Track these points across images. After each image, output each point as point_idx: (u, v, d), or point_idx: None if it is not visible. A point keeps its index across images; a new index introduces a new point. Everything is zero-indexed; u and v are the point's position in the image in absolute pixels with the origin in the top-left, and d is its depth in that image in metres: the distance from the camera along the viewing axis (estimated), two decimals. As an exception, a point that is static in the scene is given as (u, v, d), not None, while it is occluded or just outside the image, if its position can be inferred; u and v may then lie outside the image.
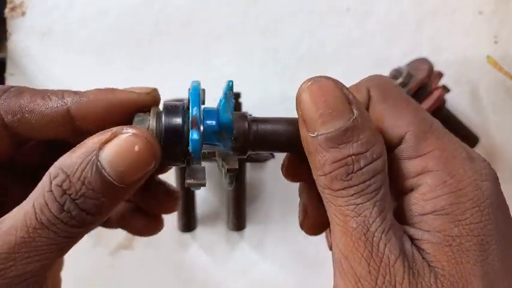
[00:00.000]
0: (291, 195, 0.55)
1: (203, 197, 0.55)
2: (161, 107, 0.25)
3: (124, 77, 0.56)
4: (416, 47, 0.54)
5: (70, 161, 0.20)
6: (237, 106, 0.49)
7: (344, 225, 0.20)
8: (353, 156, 0.20)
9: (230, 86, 0.24)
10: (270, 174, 0.55)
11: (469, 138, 0.53)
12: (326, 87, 0.21)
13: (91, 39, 0.56)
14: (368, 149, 0.20)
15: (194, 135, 0.22)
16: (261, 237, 0.55)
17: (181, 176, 0.49)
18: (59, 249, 0.20)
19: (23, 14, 0.56)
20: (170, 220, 0.53)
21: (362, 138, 0.20)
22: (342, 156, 0.20)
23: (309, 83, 0.21)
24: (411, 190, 0.22)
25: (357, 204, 0.20)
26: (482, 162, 0.22)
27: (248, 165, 0.53)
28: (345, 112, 0.20)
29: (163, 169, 0.29)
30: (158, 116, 0.23)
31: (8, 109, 0.23)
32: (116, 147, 0.20)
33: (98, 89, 0.23)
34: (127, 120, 0.23)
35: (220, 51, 0.56)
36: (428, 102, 0.48)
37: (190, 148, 0.22)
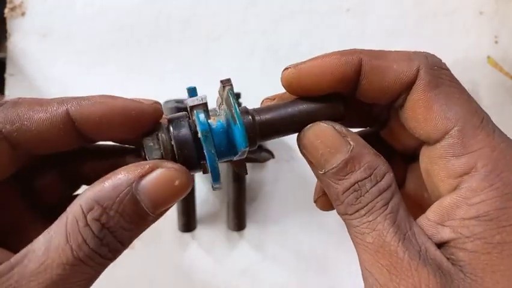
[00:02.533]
0: (291, 195, 0.55)
1: (203, 197, 0.55)
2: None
3: (123, 77, 0.56)
4: (416, 47, 0.54)
5: (105, 193, 0.20)
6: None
7: (362, 243, 0.22)
8: (359, 183, 0.22)
9: (229, 91, 0.24)
10: (270, 174, 0.55)
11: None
12: (319, 130, 0.23)
13: (90, 39, 0.56)
14: (372, 173, 0.22)
15: (213, 163, 0.23)
16: (260, 237, 0.55)
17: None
18: (90, 281, 0.21)
19: (23, 14, 0.56)
20: (171, 220, 0.53)
21: (363, 164, 0.22)
22: (350, 185, 0.22)
23: (306, 131, 0.24)
24: (454, 189, 0.21)
25: (370, 221, 0.21)
26: None
27: (248, 165, 0.53)
28: (342, 146, 0.22)
29: None
30: (168, 132, 0.23)
31: (6, 119, 0.21)
32: (156, 180, 0.21)
33: (99, 94, 0.22)
34: (129, 128, 0.23)
35: (220, 51, 0.55)
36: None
37: (209, 169, 0.23)
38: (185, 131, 0.23)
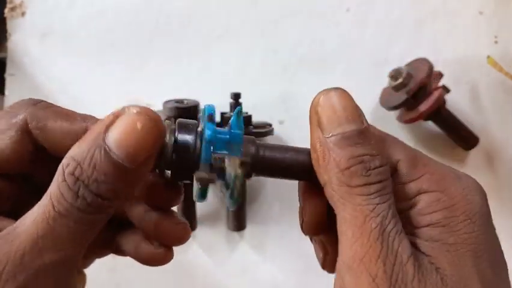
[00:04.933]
0: (291, 195, 0.55)
1: (203, 197, 0.55)
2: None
3: (123, 77, 0.56)
4: (416, 47, 0.54)
5: (79, 148, 0.21)
6: (237, 106, 0.49)
7: (361, 226, 0.21)
8: (368, 156, 0.22)
9: (239, 109, 0.25)
10: (270, 175, 0.55)
11: (469, 138, 0.53)
12: (345, 96, 0.23)
13: (90, 39, 0.56)
14: (379, 154, 0.22)
15: (207, 131, 0.23)
16: (261, 238, 0.55)
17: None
18: (81, 238, 0.21)
19: (23, 14, 0.56)
20: (170, 220, 0.53)
21: (373, 144, 0.22)
22: (359, 154, 0.22)
23: (329, 91, 0.24)
24: (409, 209, 0.23)
25: (377, 204, 0.21)
26: (470, 179, 0.24)
27: (248, 165, 0.53)
28: (359, 119, 0.22)
29: (176, 193, 0.28)
30: (171, 131, 0.23)
31: (34, 116, 0.24)
32: (120, 128, 0.21)
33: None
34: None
35: (220, 51, 0.56)
36: (428, 103, 0.49)
37: (202, 148, 0.23)
38: (190, 137, 0.23)
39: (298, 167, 0.25)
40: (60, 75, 0.56)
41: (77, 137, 0.23)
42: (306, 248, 0.55)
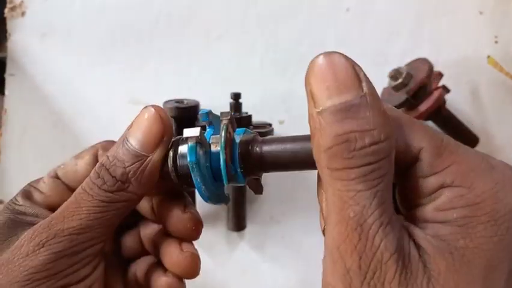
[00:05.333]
0: (291, 195, 0.55)
1: (203, 197, 0.55)
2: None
3: (124, 76, 0.56)
4: (416, 47, 0.54)
5: (112, 148, 0.26)
6: (237, 106, 0.49)
7: (340, 213, 0.19)
8: (357, 133, 0.19)
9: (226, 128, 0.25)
10: (270, 175, 0.54)
11: (469, 138, 0.53)
12: (337, 61, 0.20)
13: (90, 39, 0.56)
14: (375, 128, 0.19)
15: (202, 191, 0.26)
16: (261, 238, 0.55)
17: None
18: (98, 214, 0.25)
19: (23, 13, 0.56)
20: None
21: (368, 116, 0.19)
22: (344, 131, 0.19)
23: (322, 56, 0.21)
24: (427, 204, 0.21)
25: (358, 191, 0.19)
26: (507, 171, 0.20)
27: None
28: (354, 87, 0.19)
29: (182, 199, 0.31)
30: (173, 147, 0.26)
31: (104, 145, 0.30)
32: (134, 124, 0.26)
33: None
34: None
35: (220, 51, 0.55)
36: (428, 103, 0.48)
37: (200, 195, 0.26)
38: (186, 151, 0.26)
39: (300, 160, 0.24)
40: (60, 75, 0.56)
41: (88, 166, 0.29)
42: (306, 248, 0.55)
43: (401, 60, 0.53)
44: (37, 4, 0.56)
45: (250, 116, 0.49)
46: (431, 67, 0.49)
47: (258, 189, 0.27)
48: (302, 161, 0.24)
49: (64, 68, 0.56)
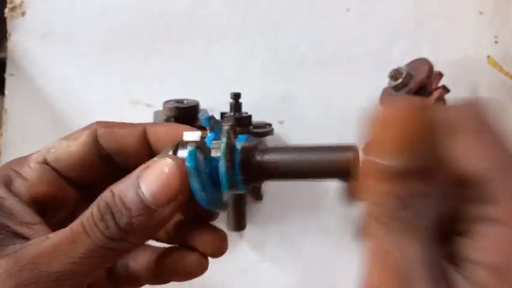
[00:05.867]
0: (291, 195, 0.55)
1: (203, 197, 0.55)
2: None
3: (124, 76, 0.56)
4: (416, 47, 0.54)
5: (120, 183, 0.23)
6: (237, 106, 0.49)
7: (382, 259, 0.19)
8: (415, 196, 0.18)
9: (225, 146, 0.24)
10: (270, 175, 0.55)
11: (469, 138, 0.53)
12: (417, 115, 0.19)
13: (91, 39, 0.56)
14: (432, 191, 0.18)
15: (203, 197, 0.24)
16: (261, 238, 0.55)
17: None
18: (92, 261, 0.22)
19: (23, 14, 0.56)
20: (170, 220, 0.53)
21: (432, 180, 0.18)
22: (401, 192, 0.18)
23: (400, 102, 0.19)
24: (467, 234, 0.18)
25: (402, 240, 0.18)
26: None
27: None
28: (426, 149, 0.18)
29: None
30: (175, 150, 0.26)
31: (103, 124, 0.27)
32: (151, 170, 0.23)
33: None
34: None
35: (220, 51, 0.55)
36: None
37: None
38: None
39: (300, 171, 0.25)
40: (61, 75, 0.56)
41: (138, 138, 0.27)
42: (306, 248, 0.55)
43: (401, 60, 0.53)
44: (37, 4, 0.56)
45: (250, 116, 0.49)
46: (431, 67, 0.49)
47: (258, 196, 0.27)
48: (303, 172, 0.24)
49: (64, 68, 0.56)
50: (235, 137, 0.26)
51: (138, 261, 0.29)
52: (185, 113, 0.46)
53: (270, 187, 0.55)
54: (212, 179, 0.25)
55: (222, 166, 0.24)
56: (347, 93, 0.54)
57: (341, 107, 0.54)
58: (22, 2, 0.56)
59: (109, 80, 0.56)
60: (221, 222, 0.55)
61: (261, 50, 0.55)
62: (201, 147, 0.25)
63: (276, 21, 0.55)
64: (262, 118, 0.53)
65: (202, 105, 0.51)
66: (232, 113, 0.49)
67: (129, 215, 0.22)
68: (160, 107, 0.49)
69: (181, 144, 0.25)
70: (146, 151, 0.27)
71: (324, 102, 0.53)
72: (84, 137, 0.26)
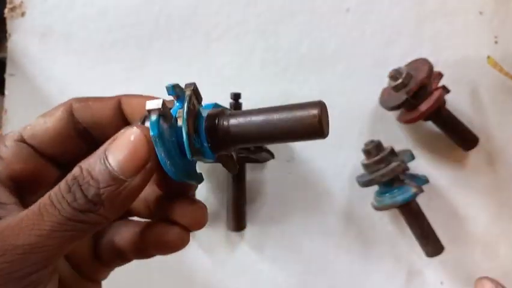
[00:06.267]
0: (291, 195, 0.55)
1: (203, 197, 0.55)
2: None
3: (124, 76, 0.56)
4: (416, 47, 0.54)
5: (88, 158, 0.23)
6: (237, 106, 0.49)
7: None
8: None
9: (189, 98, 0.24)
10: (270, 175, 0.55)
11: (469, 138, 0.53)
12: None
13: (91, 39, 0.56)
14: None
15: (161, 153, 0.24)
16: (261, 238, 0.55)
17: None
18: (61, 234, 0.22)
19: (23, 14, 0.56)
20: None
21: None
22: None
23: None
24: None
25: None
26: None
27: (248, 165, 0.53)
28: None
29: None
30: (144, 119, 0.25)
31: (78, 99, 0.27)
32: (118, 141, 0.23)
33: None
34: None
35: (220, 51, 0.55)
36: (428, 103, 0.48)
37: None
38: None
39: (268, 133, 0.23)
40: (61, 75, 0.56)
41: (113, 110, 0.27)
42: (306, 248, 0.55)
43: (401, 60, 0.53)
44: (37, 4, 0.56)
45: (250, 116, 0.49)
46: (431, 67, 0.49)
47: (232, 167, 0.26)
48: (270, 133, 0.24)
49: (64, 68, 0.56)
50: (199, 103, 0.25)
51: (122, 236, 0.29)
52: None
53: (270, 187, 0.55)
54: (180, 149, 0.24)
55: (184, 132, 0.23)
56: (347, 93, 0.54)
57: (341, 107, 0.54)
58: (22, 2, 0.56)
59: (109, 80, 0.56)
60: (221, 222, 0.55)
61: (261, 49, 0.55)
62: (164, 115, 0.24)
63: (276, 20, 0.55)
64: (262, 118, 0.52)
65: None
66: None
67: (97, 186, 0.22)
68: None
69: (146, 116, 0.25)
70: (122, 123, 0.27)
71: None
72: (59, 113, 0.26)
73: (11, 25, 0.56)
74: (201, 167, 0.54)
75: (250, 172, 0.54)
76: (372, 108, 0.54)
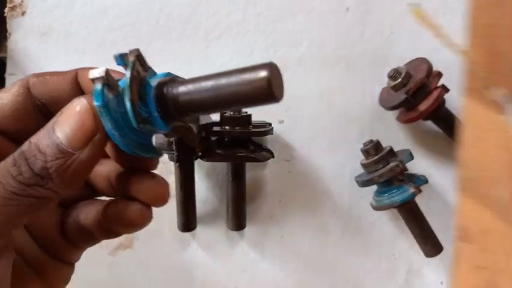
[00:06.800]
0: (291, 195, 0.55)
1: (203, 197, 0.55)
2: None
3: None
4: (415, 47, 0.54)
5: (37, 133, 0.23)
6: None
7: None
8: None
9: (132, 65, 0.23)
10: (270, 174, 0.55)
11: (468, 138, 0.53)
12: None
13: (91, 39, 0.56)
14: None
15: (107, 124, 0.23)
16: (260, 237, 0.55)
17: (181, 176, 0.49)
18: (6, 205, 0.22)
19: (23, 13, 0.56)
20: (170, 220, 0.53)
21: None
22: None
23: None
24: None
25: None
26: None
27: (248, 164, 0.53)
28: None
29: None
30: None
31: (35, 74, 0.27)
32: (64, 112, 0.23)
33: None
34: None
35: (220, 51, 0.56)
36: (428, 102, 0.49)
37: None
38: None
39: (217, 98, 0.22)
40: (60, 74, 0.56)
41: (70, 84, 0.27)
42: (306, 247, 0.55)
43: (401, 60, 0.53)
44: (37, 4, 0.56)
45: (250, 116, 0.49)
46: (430, 67, 0.49)
47: (191, 139, 0.25)
48: (221, 99, 0.23)
49: (64, 68, 0.56)
50: (146, 69, 0.24)
51: (87, 215, 0.28)
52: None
53: (269, 186, 0.55)
54: (131, 120, 0.23)
55: (126, 99, 0.22)
56: (346, 92, 0.54)
57: (340, 107, 0.54)
58: (22, 1, 0.56)
59: (108, 80, 0.56)
60: (221, 221, 0.55)
61: (261, 49, 0.55)
62: (110, 85, 0.23)
63: (276, 20, 0.55)
64: (262, 118, 0.53)
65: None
66: (231, 113, 0.49)
67: (44, 160, 0.22)
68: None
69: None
70: (77, 94, 0.27)
71: (324, 102, 0.53)
72: (16, 88, 0.26)
73: (11, 24, 0.56)
74: (201, 166, 0.54)
75: (250, 171, 0.54)
76: (372, 107, 0.54)
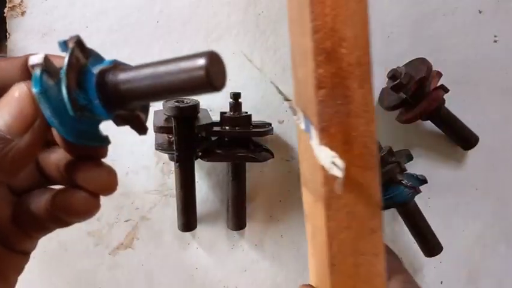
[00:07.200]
0: (291, 195, 0.55)
1: (203, 196, 0.55)
2: None
3: (124, 76, 0.56)
4: (415, 46, 0.54)
5: None
6: (237, 106, 0.49)
7: None
8: None
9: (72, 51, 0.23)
10: (269, 174, 0.55)
11: (468, 138, 0.53)
12: None
13: (91, 39, 0.56)
14: None
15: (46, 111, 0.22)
16: (260, 237, 0.55)
17: (181, 176, 0.49)
18: None
19: (23, 13, 0.56)
20: (170, 220, 0.53)
21: None
22: None
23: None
24: None
25: None
26: None
27: (248, 164, 0.53)
28: None
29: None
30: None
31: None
32: (4, 98, 0.22)
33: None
34: None
35: (220, 51, 0.55)
36: (427, 102, 0.49)
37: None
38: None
39: (156, 87, 0.22)
40: (61, 74, 0.56)
41: (19, 69, 0.26)
42: (306, 247, 0.55)
43: (400, 60, 0.53)
44: (37, 4, 0.56)
45: (250, 116, 0.49)
46: (429, 67, 0.49)
47: (139, 127, 0.25)
48: (159, 88, 0.22)
49: (64, 68, 0.56)
50: (88, 56, 0.25)
51: (38, 203, 0.28)
52: (185, 113, 0.46)
53: (269, 186, 0.55)
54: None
55: (63, 86, 0.22)
56: (346, 92, 0.54)
57: (340, 107, 0.54)
58: (22, 1, 0.56)
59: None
60: (221, 220, 0.55)
61: (261, 49, 0.55)
62: (51, 72, 0.23)
63: (276, 20, 0.55)
64: (262, 118, 0.53)
65: (202, 105, 0.51)
66: (231, 113, 0.49)
67: None
68: (160, 106, 0.49)
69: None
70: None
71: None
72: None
73: (11, 24, 0.56)
74: (201, 166, 0.54)
75: (250, 171, 0.54)
76: (372, 107, 0.54)
